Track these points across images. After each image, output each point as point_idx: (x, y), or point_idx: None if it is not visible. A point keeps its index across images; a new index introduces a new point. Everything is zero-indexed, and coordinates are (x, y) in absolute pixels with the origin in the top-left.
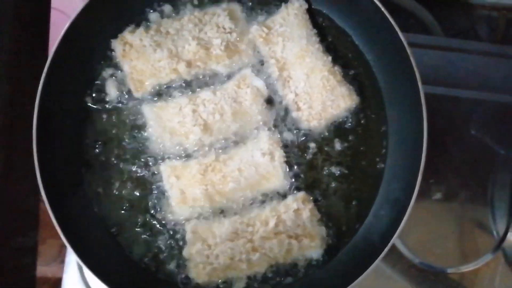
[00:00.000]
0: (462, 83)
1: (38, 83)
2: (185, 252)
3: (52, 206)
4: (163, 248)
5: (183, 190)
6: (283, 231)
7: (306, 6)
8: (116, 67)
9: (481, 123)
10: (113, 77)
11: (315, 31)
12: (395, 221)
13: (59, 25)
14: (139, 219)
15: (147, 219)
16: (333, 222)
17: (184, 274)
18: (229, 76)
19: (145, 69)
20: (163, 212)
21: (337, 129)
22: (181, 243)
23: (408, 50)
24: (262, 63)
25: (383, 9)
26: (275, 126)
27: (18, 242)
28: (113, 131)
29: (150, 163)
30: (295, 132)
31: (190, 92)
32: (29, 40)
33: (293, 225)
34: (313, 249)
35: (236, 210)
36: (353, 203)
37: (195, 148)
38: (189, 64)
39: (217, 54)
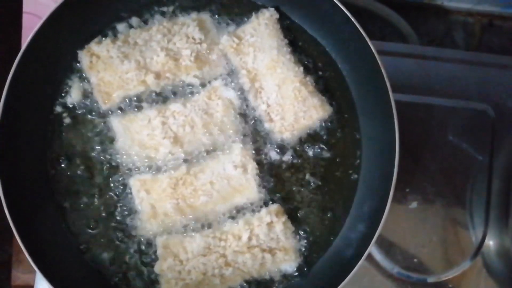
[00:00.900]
0: (438, 91)
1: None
2: (156, 268)
3: (16, 223)
4: (134, 264)
5: (153, 205)
6: (256, 245)
7: (277, 16)
8: (84, 79)
9: (458, 130)
10: (80, 90)
11: (286, 41)
12: (369, 232)
13: (32, 29)
14: (108, 235)
15: (117, 234)
16: (307, 234)
17: None
18: (200, 87)
19: (113, 81)
20: (133, 227)
21: (310, 140)
22: (152, 258)
23: (378, 60)
24: (233, 73)
25: (353, 19)
26: (247, 138)
27: None
28: (80, 144)
29: (119, 177)
30: (267, 144)
31: (160, 104)
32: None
33: (266, 238)
34: (287, 262)
35: (208, 224)
36: (328, 214)
37: (165, 161)
38: (158, 75)
39: (186, 65)
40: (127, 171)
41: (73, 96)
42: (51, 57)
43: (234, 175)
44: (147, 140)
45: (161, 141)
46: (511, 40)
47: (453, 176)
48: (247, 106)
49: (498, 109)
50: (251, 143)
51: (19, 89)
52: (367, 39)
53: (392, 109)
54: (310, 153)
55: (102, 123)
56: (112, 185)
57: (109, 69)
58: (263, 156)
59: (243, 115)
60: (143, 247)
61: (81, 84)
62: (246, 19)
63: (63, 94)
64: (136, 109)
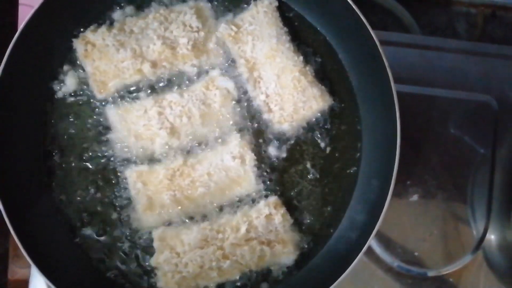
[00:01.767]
0: (440, 82)
1: None
2: (152, 261)
3: (10, 217)
4: (130, 256)
5: (150, 196)
6: (254, 237)
7: (276, 3)
8: (79, 68)
9: (460, 122)
10: (76, 79)
11: (285, 29)
12: (369, 225)
13: None
14: (105, 227)
15: (113, 227)
16: (306, 226)
17: (153, 283)
18: (197, 77)
19: (108, 70)
20: (129, 220)
21: (310, 131)
22: (149, 251)
23: (380, 49)
24: (231, 63)
25: (354, 6)
26: (245, 128)
27: None
28: (76, 135)
29: (115, 168)
30: (266, 135)
31: (156, 94)
32: None
33: (265, 231)
34: (286, 255)
35: (206, 216)
36: (327, 207)
37: (162, 152)
38: (154, 64)
39: (183, 53)
40: (123, 162)
41: (69, 86)
42: (45, 46)
43: (232, 167)
44: (143, 130)
45: (158, 131)
46: None
47: (454, 169)
48: (245, 96)
49: (501, 100)
50: (249, 134)
51: (13, 80)
52: (369, 28)
53: (393, 100)
54: (310, 144)
55: (98, 113)
56: (108, 176)
57: (104, 58)
58: (262, 147)
59: (242, 106)
60: (139, 240)
61: (77, 74)
62: (245, 6)
63: (58, 84)
64: (132, 99)
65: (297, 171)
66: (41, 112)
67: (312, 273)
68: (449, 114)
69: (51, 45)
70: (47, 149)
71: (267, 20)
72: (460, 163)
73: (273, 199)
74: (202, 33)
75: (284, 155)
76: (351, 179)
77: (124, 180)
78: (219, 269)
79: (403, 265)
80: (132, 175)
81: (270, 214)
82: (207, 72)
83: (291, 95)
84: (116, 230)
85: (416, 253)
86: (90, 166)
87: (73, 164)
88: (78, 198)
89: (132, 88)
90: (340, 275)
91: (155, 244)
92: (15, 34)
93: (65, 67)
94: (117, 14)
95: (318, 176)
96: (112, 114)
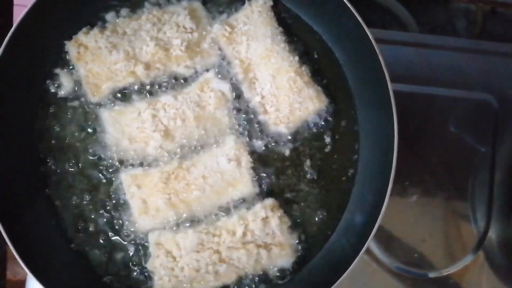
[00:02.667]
0: (439, 80)
1: None
2: (149, 265)
3: (5, 222)
4: (126, 261)
5: (145, 200)
6: (251, 240)
7: (270, 3)
8: (72, 70)
9: (459, 121)
10: (69, 82)
11: (280, 29)
12: (367, 227)
13: None
14: (100, 232)
15: (108, 231)
16: (303, 229)
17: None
18: (191, 79)
19: (101, 73)
20: (125, 223)
21: (306, 132)
22: (145, 255)
23: (376, 48)
24: (226, 64)
25: (350, 5)
26: (241, 130)
27: None
28: (70, 139)
29: (110, 172)
30: (262, 136)
31: (150, 96)
32: None
33: (261, 233)
34: (284, 258)
35: (201, 220)
36: (325, 209)
37: (156, 155)
38: (147, 66)
39: (177, 55)
40: (117, 166)
41: (62, 89)
42: (38, 47)
43: (227, 169)
44: (137, 133)
45: (151, 134)
46: None
47: (454, 168)
48: (240, 98)
49: (501, 99)
50: (245, 136)
51: (5, 82)
52: (365, 26)
53: (390, 100)
54: (307, 146)
55: (92, 116)
56: (102, 180)
57: (97, 60)
58: (258, 149)
59: (237, 108)
60: (134, 244)
61: (70, 76)
62: (239, 6)
63: (51, 86)
64: (126, 102)
65: (294, 173)
66: (35, 115)
67: (311, 275)
68: (448, 113)
69: (44, 46)
70: (41, 153)
71: (261, 20)
72: (460, 162)
73: (269, 201)
74: (196, 34)
75: (280, 157)
76: (349, 179)
77: (119, 184)
78: (215, 273)
79: (403, 267)
80: (127, 179)
81: (266, 216)
82: (201, 73)
83: (286, 96)
84: (111, 235)
85: (416, 254)
86: (84, 170)
87: (67, 169)
88: (73, 203)
89: (125, 91)
90: (339, 277)
91: (151, 248)
92: None
93: (59, 69)
94: (109, 16)
95: (315, 177)
96: (106, 116)
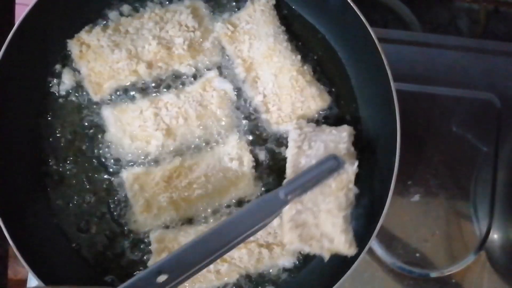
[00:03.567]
0: (442, 80)
1: None
2: (150, 264)
3: (6, 222)
4: (128, 260)
5: (147, 199)
6: (253, 240)
7: (273, 1)
8: (75, 69)
9: (462, 120)
10: (71, 81)
11: (283, 28)
12: (370, 226)
13: None
14: (101, 230)
15: (110, 230)
16: None
17: None
18: (193, 77)
19: (103, 71)
20: (126, 222)
21: None
22: (146, 254)
23: (379, 47)
24: (228, 63)
25: (353, 4)
26: (243, 130)
27: None
28: (71, 137)
29: (111, 171)
30: (264, 136)
31: (152, 95)
32: None
33: (263, 233)
34: (285, 257)
35: (203, 219)
36: None
37: (158, 154)
38: (149, 65)
39: (179, 54)
40: (119, 164)
41: (64, 87)
42: (39, 47)
43: (229, 168)
44: (138, 131)
45: (153, 133)
46: None
47: (457, 168)
48: (242, 97)
49: (504, 98)
50: (247, 135)
51: (6, 81)
52: (368, 25)
53: (393, 99)
54: None
55: (94, 115)
56: (104, 179)
57: (99, 59)
58: (260, 148)
59: (239, 107)
60: (136, 243)
61: (72, 75)
62: (241, 5)
63: (53, 85)
64: (128, 100)
65: None
66: (36, 114)
67: (312, 275)
68: (451, 112)
69: (46, 45)
70: (42, 152)
71: (264, 18)
72: (463, 161)
73: None
74: (198, 33)
75: (282, 156)
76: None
77: (121, 183)
78: (217, 272)
79: (405, 266)
80: (129, 177)
81: None
82: (203, 72)
83: (289, 95)
84: (113, 234)
85: (418, 254)
86: (86, 169)
87: (68, 168)
88: (75, 202)
89: (128, 89)
90: (341, 277)
91: (153, 246)
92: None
93: (60, 68)
94: (112, 14)
95: None
96: (108, 114)
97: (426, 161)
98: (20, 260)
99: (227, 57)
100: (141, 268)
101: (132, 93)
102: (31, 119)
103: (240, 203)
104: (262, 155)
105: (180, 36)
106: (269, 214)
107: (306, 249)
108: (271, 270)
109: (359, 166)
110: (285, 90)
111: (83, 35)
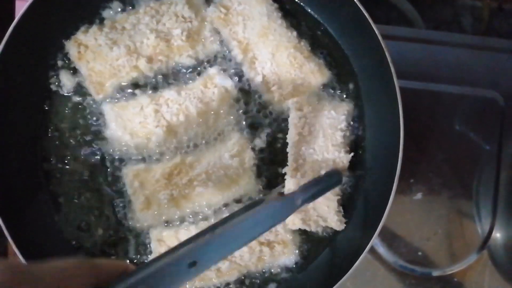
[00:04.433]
0: (445, 77)
1: None
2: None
3: (5, 219)
4: (128, 257)
5: (147, 196)
6: None
7: None
8: (74, 70)
9: (465, 118)
10: (71, 81)
11: (276, 5)
12: (372, 225)
13: None
14: (102, 228)
15: (111, 227)
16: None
17: None
18: (194, 70)
19: (104, 70)
20: (127, 219)
21: None
22: (146, 251)
23: (383, 44)
24: (227, 51)
25: (356, 1)
26: (244, 127)
27: None
28: (72, 134)
29: (112, 168)
30: (265, 132)
31: (153, 91)
32: None
33: None
34: (286, 256)
35: (204, 216)
36: None
37: (159, 151)
38: (150, 59)
39: (178, 45)
40: (119, 161)
41: (64, 85)
42: (39, 44)
43: (230, 165)
44: (139, 128)
45: (154, 129)
46: None
47: (459, 167)
48: (244, 93)
49: (507, 96)
50: (248, 132)
51: (7, 78)
52: (372, 22)
53: (396, 96)
54: None
55: (94, 112)
56: (104, 176)
57: (98, 58)
58: (261, 145)
59: (240, 104)
60: (136, 240)
61: (72, 75)
62: None
63: (54, 83)
64: (129, 96)
65: None
66: (37, 112)
67: (314, 273)
68: (454, 110)
69: (46, 42)
70: (43, 150)
71: None
72: (466, 160)
73: None
74: (195, 23)
75: (284, 154)
76: (354, 177)
77: (121, 179)
78: (217, 270)
79: (407, 265)
80: (129, 174)
81: None
82: (204, 62)
83: (288, 73)
84: (114, 231)
85: (420, 253)
86: (87, 166)
87: (69, 165)
88: (74, 198)
89: (129, 86)
90: (343, 276)
91: (153, 244)
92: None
93: (61, 66)
94: (107, 12)
95: None
96: (108, 111)
97: (428, 159)
98: (19, 257)
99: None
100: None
101: (133, 89)
102: (31, 116)
103: (239, 200)
104: (263, 152)
105: (177, 27)
106: (284, 216)
107: (306, 228)
108: (272, 269)
109: (361, 165)
110: (284, 68)
111: (80, 36)
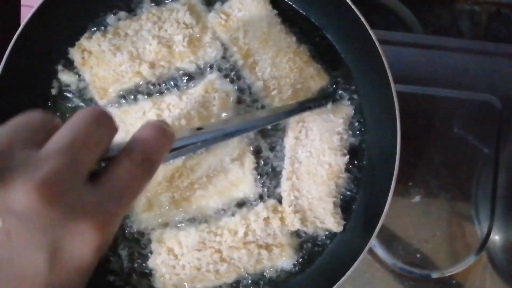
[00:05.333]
0: (443, 81)
1: None
2: (150, 263)
3: None
4: (129, 259)
5: (149, 198)
6: (252, 241)
7: None
8: (78, 76)
9: (463, 122)
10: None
11: (275, 11)
12: (370, 227)
13: None
14: None
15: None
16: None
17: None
18: (197, 76)
19: (107, 76)
20: (128, 222)
21: None
22: (147, 253)
23: (380, 48)
24: (228, 55)
25: (353, 6)
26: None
27: None
28: None
29: None
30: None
31: (155, 96)
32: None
33: (263, 234)
34: (284, 258)
35: (204, 219)
36: None
37: None
38: (152, 65)
39: (180, 51)
40: None
41: (68, 89)
42: (44, 49)
43: (231, 169)
44: None
45: None
46: None
47: (457, 169)
48: (245, 97)
49: (505, 100)
50: (248, 137)
51: (12, 82)
52: (368, 27)
53: (394, 101)
54: None
55: None
56: None
57: (102, 64)
58: (262, 149)
59: (241, 109)
60: (137, 242)
61: (75, 81)
62: None
63: (57, 88)
64: (131, 101)
65: None
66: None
67: (312, 275)
68: (452, 114)
69: (51, 47)
70: None
71: (255, 4)
72: (464, 163)
73: (271, 202)
74: (196, 29)
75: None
76: (350, 180)
77: None
78: (216, 272)
79: (406, 267)
80: None
81: (268, 217)
82: (205, 68)
83: (288, 78)
84: (115, 234)
85: (418, 255)
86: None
87: None
88: None
89: (132, 91)
90: (341, 277)
91: (153, 245)
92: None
93: (65, 71)
94: (110, 19)
95: None
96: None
97: (427, 162)
98: None
99: (226, 49)
100: (141, 267)
101: (136, 94)
102: None
103: (239, 205)
104: (264, 156)
105: (179, 33)
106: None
107: (304, 229)
108: (270, 271)
109: (358, 168)
110: (284, 72)
111: (83, 42)
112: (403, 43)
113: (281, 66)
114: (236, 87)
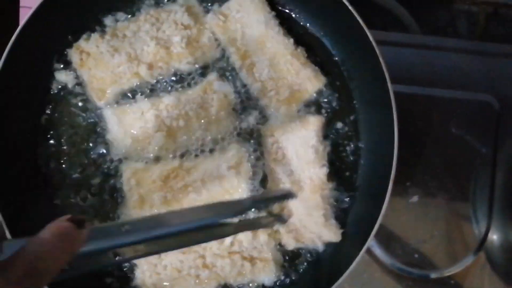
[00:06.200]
0: (441, 82)
1: None
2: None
3: (6, 219)
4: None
5: (142, 195)
6: (238, 251)
7: None
8: (76, 77)
9: (461, 122)
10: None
11: (273, 13)
12: (368, 228)
13: None
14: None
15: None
16: None
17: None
18: (195, 77)
19: (105, 77)
20: (120, 216)
21: None
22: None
23: (377, 50)
24: (226, 57)
25: (350, 6)
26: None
27: None
28: (73, 138)
29: (112, 171)
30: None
31: (153, 97)
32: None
33: (249, 246)
34: (266, 274)
35: None
36: None
37: (158, 155)
38: (150, 66)
39: (178, 52)
40: (119, 165)
41: (66, 89)
42: (42, 49)
43: (226, 176)
44: (139, 133)
45: (154, 134)
46: None
47: (455, 169)
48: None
49: (503, 100)
50: (246, 144)
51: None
52: (365, 28)
53: (391, 101)
54: None
55: (95, 116)
56: (104, 179)
57: (100, 65)
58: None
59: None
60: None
61: (73, 82)
62: None
63: (55, 87)
64: (130, 101)
65: None
66: (38, 115)
67: (313, 272)
68: (450, 114)
69: (49, 47)
70: (44, 153)
71: (253, 6)
72: (461, 163)
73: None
74: (194, 30)
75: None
76: (349, 181)
77: (119, 180)
78: (196, 277)
79: (404, 267)
80: (127, 171)
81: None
82: (203, 69)
83: (285, 79)
84: None
85: (416, 255)
86: (87, 170)
87: (69, 168)
88: (72, 201)
89: (130, 92)
90: (339, 278)
91: None
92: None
93: (63, 71)
94: (108, 20)
95: None
96: (109, 116)
97: (425, 163)
98: None
99: (224, 49)
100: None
101: (134, 95)
102: (33, 119)
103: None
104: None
105: (177, 34)
106: (231, 214)
107: (302, 246)
108: (249, 284)
109: (356, 168)
110: (281, 74)
111: (82, 43)
112: (401, 43)
113: (279, 68)
114: (233, 88)
